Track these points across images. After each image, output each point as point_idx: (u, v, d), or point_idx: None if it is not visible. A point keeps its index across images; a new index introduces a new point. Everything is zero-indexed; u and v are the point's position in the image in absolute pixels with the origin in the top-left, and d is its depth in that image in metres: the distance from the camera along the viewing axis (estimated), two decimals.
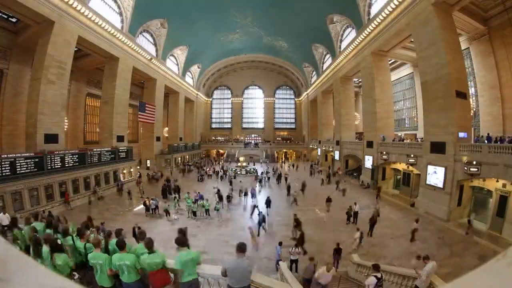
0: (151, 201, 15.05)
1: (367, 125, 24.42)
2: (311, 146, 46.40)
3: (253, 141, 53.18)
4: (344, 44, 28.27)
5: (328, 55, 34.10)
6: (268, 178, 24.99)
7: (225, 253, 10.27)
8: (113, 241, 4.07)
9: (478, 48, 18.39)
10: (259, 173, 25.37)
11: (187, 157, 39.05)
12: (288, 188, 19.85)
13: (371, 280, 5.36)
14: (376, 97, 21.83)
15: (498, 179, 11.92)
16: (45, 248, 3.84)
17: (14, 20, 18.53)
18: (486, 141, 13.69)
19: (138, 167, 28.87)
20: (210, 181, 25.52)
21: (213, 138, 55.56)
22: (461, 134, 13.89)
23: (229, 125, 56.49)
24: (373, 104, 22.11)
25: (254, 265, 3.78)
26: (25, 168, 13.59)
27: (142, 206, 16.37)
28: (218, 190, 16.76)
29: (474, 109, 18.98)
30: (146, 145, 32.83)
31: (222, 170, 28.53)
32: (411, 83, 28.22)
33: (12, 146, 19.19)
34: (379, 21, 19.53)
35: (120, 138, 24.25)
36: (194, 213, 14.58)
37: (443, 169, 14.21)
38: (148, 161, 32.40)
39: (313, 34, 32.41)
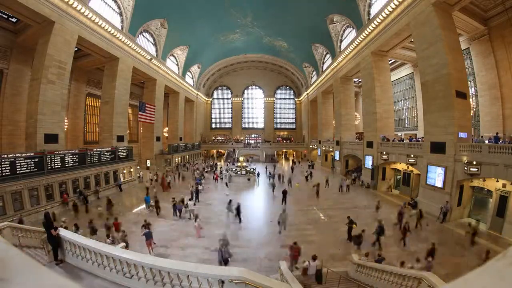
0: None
1: (367, 125, 24.41)
2: (311, 146, 46.40)
3: (253, 141, 53.23)
4: (344, 44, 28.28)
5: (328, 55, 34.11)
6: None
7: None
8: None
9: (478, 48, 18.40)
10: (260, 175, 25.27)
11: (187, 157, 39.04)
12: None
13: None
14: (376, 97, 21.82)
15: (498, 179, 11.92)
16: None
17: (14, 20, 18.53)
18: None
19: (138, 167, 28.87)
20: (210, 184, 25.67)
21: (213, 138, 55.58)
22: (461, 134, 13.90)
23: (229, 125, 56.48)
24: (373, 104, 22.10)
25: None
26: (25, 168, 13.57)
27: (142, 206, 16.40)
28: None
29: (474, 109, 18.99)
30: (146, 145, 32.81)
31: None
32: (411, 83, 28.23)
33: (12, 146, 19.21)
34: (379, 21, 19.54)
35: (120, 138, 24.26)
36: None
37: (443, 169, 14.22)
38: (148, 161, 32.42)
39: (313, 34, 32.41)
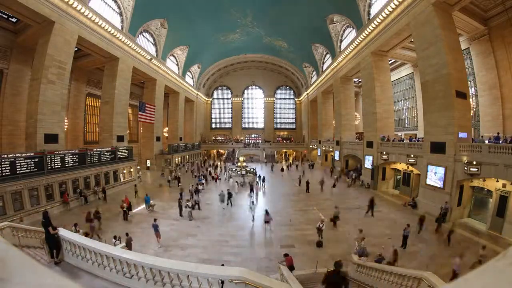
0: None
1: (367, 125, 24.41)
2: (311, 146, 46.40)
3: (253, 141, 53.25)
4: (344, 44, 28.27)
5: (328, 55, 34.11)
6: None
7: (225, 253, 10.28)
8: None
9: (478, 48, 18.39)
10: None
11: (187, 157, 39.04)
12: None
13: None
14: (376, 97, 21.81)
15: (498, 179, 11.92)
16: None
17: (14, 20, 18.53)
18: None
19: (138, 167, 28.89)
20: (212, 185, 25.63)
21: (213, 138, 55.58)
22: (461, 134, 13.89)
23: (229, 125, 56.49)
24: (373, 104, 22.10)
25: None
26: (25, 168, 13.57)
27: (142, 206, 16.39)
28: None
29: (474, 109, 18.98)
30: (146, 145, 32.83)
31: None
32: (411, 83, 28.23)
33: (12, 146, 19.21)
34: (379, 21, 19.53)
35: (120, 138, 24.27)
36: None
37: (443, 169, 14.21)
38: (148, 161, 32.42)
39: (313, 34, 32.41)
